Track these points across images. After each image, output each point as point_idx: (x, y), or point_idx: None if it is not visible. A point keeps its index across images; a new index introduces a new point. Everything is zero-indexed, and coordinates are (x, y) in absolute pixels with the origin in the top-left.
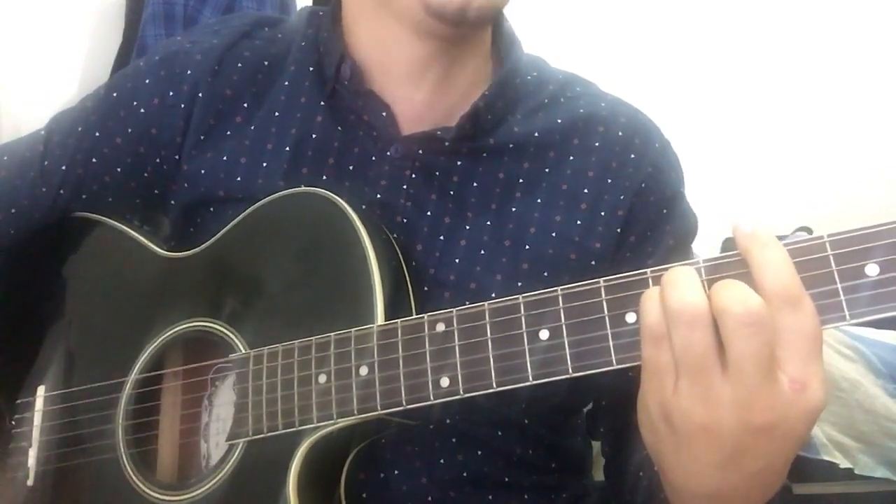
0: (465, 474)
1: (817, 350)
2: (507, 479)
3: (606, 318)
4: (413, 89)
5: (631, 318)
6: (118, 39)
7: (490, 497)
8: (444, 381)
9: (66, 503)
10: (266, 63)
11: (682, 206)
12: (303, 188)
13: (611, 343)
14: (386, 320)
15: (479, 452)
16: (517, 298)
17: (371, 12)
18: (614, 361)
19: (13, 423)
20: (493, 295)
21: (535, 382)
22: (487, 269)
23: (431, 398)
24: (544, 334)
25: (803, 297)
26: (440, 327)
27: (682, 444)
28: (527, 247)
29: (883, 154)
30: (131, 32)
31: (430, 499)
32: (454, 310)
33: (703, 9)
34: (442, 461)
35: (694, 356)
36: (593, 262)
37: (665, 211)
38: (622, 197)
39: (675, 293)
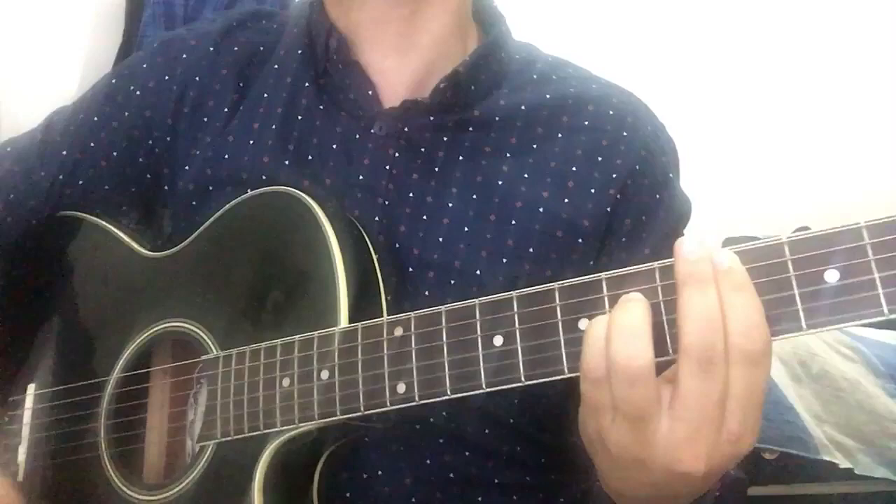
0: (451, 475)
1: (761, 402)
2: (496, 480)
3: (559, 324)
4: (381, 56)
5: (583, 324)
6: (118, 39)
7: (479, 499)
8: (401, 387)
9: (52, 501)
10: (261, 48)
11: (676, 191)
12: (273, 188)
13: (563, 350)
14: (350, 321)
15: (467, 453)
16: (473, 302)
17: None
18: (566, 370)
19: (6, 419)
20: (479, 272)
21: (488, 390)
22: (472, 247)
23: (388, 404)
24: (498, 340)
25: (768, 353)
26: (398, 331)
27: (616, 465)
28: (513, 222)
29: (883, 154)
30: (131, 33)
31: (413, 500)
32: (412, 314)
33: (703, 8)
34: (428, 461)
35: (634, 408)
36: (580, 240)
37: (658, 196)
38: (614, 175)
39: (619, 345)
